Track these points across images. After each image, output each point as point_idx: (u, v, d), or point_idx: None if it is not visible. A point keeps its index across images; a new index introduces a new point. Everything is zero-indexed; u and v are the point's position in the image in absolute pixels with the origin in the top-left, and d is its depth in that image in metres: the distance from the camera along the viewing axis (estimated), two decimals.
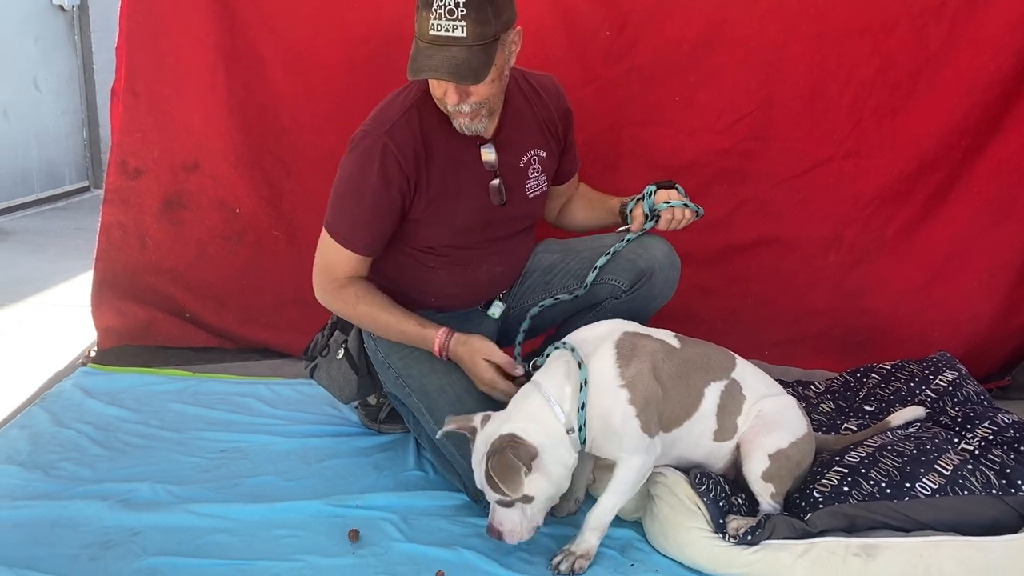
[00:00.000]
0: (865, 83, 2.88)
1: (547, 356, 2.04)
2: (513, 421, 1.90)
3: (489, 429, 1.91)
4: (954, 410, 2.29)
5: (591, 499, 2.07)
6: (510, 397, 2.02)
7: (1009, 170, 2.85)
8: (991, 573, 1.81)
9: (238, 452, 2.47)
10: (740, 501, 2.04)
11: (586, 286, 2.32)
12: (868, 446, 2.08)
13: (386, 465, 2.41)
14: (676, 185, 2.36)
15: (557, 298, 2.34)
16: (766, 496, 2.01)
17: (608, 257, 2.32)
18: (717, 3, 2.86)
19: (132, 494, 2.20)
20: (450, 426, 1.99)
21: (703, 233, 2.89)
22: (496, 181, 2.26)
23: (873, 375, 2.60)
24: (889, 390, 2.50)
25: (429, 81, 2.10)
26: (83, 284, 3.49)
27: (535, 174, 2.34)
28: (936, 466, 1.95)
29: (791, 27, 2.85)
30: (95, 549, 1.97)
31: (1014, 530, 1.87)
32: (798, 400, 2.17)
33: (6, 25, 6.02)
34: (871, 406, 2.45)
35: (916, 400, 2.42)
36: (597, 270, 2.32)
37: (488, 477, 1.83)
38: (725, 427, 2.05)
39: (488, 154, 2.23)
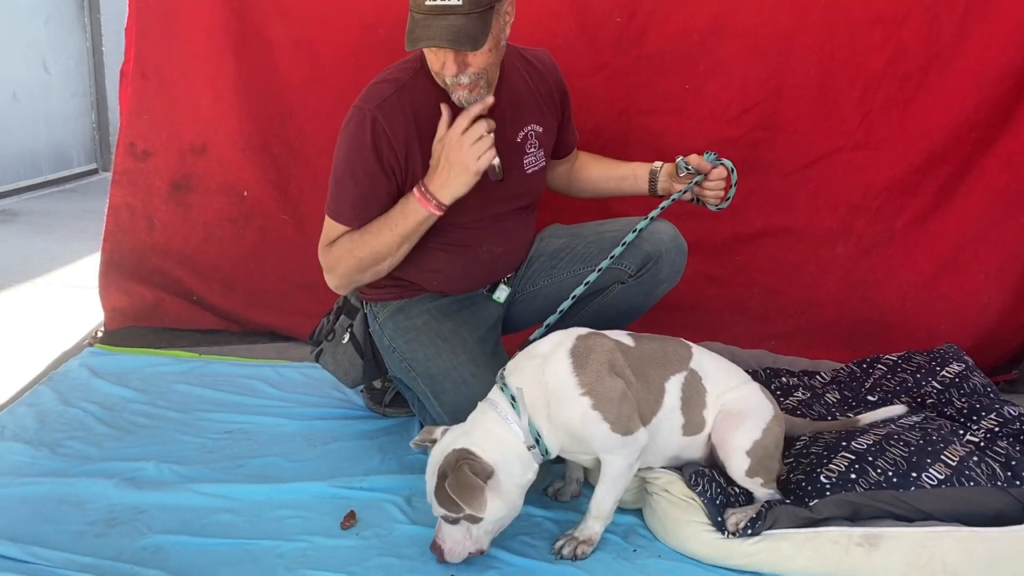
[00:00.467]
0: (875, 74, 2.87)
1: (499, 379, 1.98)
2: (471, 435, 1.85)
3: (444, 442, 1.86)
4: (960, 402, 2.28)
5: (589, 486, 2.08)
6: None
7: (1019, 163, 2.83)
8: (994, 564, 1.80)
9: (243, 433, 2.48)
10: (736, 491, 2.03)
11: (612, 257, 2.27)
12: (875, 434, 2.08)
13: (390, 448, 2.41)
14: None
15: (586, 282, 2.25)
16: (757, 488, 2.01)
17: (648, 220, 2.30)
18: None
19: (138, 473, 2.21)
20: (414, 440, 1.96)
21: (710, 222, 2.89)
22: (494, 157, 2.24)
23: (879, 366, 2.60)
24: (895, 381, 2.50)
25: (427, 55, 2.09)
26: (91, 265, 3.51)
27: (532, 149, 2.32)
28: (943, 457, 1.95)
29: (801, 17, 2.83)
30: (100, 526, 1.98)
31: (1018, 521, 1.87)
32: (764, 385, 2.14)
33: (16, 6, 6.01)
34: (876, 397, 2.45)
35: (922, 391, 2.41)
36: (638, 231, 2.28)
37: (438, 491, 1.77)
38: (692, 421, 2.02)
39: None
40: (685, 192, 2.33)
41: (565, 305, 2.22)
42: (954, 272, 2.95)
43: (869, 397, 2.46)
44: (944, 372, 2.45)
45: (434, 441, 1.91)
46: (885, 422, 2.20)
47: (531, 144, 2.32)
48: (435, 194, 2.09)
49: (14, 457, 2.28)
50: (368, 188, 2.16)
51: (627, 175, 2.49)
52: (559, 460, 2.03)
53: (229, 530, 1.99)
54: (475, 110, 2.07)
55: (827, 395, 2.50)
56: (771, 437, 2.01)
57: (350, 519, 2.04)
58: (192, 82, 3.04)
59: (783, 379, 2.63)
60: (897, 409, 2.29)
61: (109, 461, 2.27)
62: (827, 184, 2.97)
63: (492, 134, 2.07)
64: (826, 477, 1.96)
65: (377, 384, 2.65)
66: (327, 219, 2.24)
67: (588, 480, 2.19)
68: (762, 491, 2.01)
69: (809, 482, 1.98)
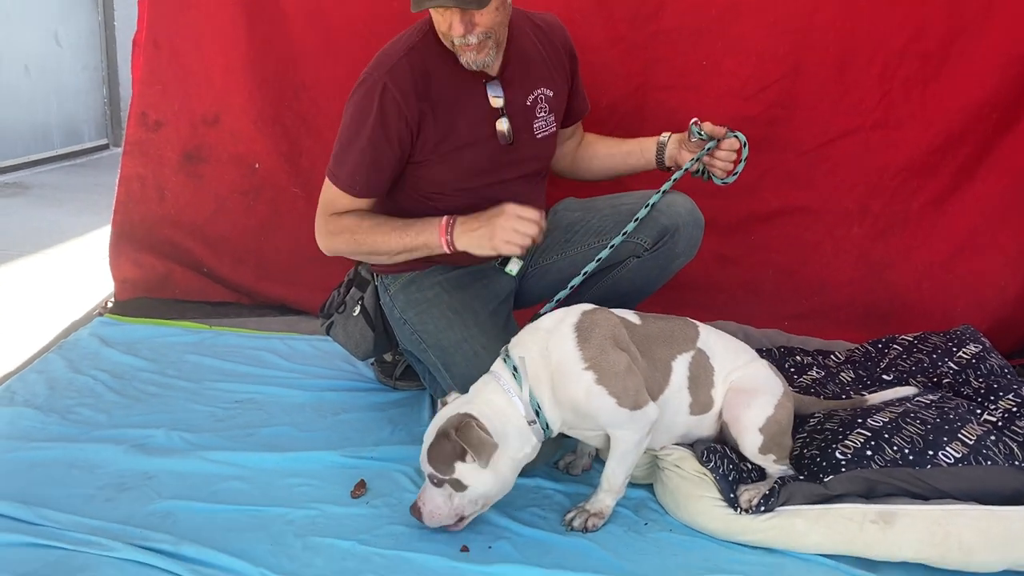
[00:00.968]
0: (896, 52, 2.84)
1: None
2: (472, 404, 1.84)
3: (450, 407, 1.86)
4: (977, 382, 2.26)
5: (600, 460, 2.06)
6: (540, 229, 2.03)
7: None
8: (1010, 543, 1.78)
9: (253, 403, 2.47)
10: (749, 467, 2.01)
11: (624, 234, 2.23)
12: (892, 411, 2.05)
13: (401, 420, 2.40)
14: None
15: (598, 259, 2.22)
16: (770, 465, 1.99)
17: (660, 194, 2.26)
18: None
19: (147, 439, 2.21)
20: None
21: (725, 201, 2.87)
22: (503, 120, 2.22)
23: (895, 346, 2.57)
24: (911, 361, 2.47)
25: (434, 16, 2.07)
26: (101, 238, 3.51)
27: (543, 114, 2.30)
28: (960, 435, 1.93)
29: None
30: (110, 491, 1.98)
31: None
32: (777, 364, 2.13)
33: None
34: (891, 376, 2.42)
35: (938, 372, 2.39)
36: (651, 205, 2.25)
37: (432, 448, 1.78)
38: (700, 400, 2.01)
39: (495, 91, 2.20)
40: (697, 160, 2.27)
41: (576, 281, 2.19)
42: (971, 254, 2.92)
43: (884, 377, 2.43)
44: (961, 353, 2.43)
45: (445, 403, 1.92)
46: (900, 400, 2.17)
47: (541, 108, 2.30)
48: (456, 234, 2.12)
49: (24, 422, 2.28)
50: (370, 157, 2.16)
51: (633, 149, 2.46)
52: (567, 435, 2.02)
53: (239, 497, 1.98)
54: (538, 216, 2.07)
55: (842, 374, 2.48)
56: (783, 412, 2.00)
57: (360, 488, 2.03)
58: (205, 52, 3.03)
59: (797, 357, 2.61)
60: (907, 390, 2.26)
61: (119, 428, 2.27)
62: (844, 163, 2.93)
63: (533, 242, 2.06)
64: (841, 453, 1.94)
65: (388, 357, 2.63)
66: (326, 180, 2.23)
67: (599, 456, 2.17)
68: (775, 467, 1.99)
69: (824, 458, 1.96)
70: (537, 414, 1.85)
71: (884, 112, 2.88)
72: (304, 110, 3.06)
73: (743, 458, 2.02)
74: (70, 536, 1.77)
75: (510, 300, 2.43)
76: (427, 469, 1.81)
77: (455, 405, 1.87)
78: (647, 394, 1.89)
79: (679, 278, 2.45)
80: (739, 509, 1.90)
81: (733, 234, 3.02)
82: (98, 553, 1.73)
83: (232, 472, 2.08)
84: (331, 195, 2.23)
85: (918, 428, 1.96)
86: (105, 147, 6.95)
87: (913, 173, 2.91)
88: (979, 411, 2.08)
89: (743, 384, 2.02)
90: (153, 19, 3.03)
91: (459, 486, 1.79)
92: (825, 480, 1.90)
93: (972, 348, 2.43)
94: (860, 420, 2.04)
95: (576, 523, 1.91)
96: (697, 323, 2.10)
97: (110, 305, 3.15)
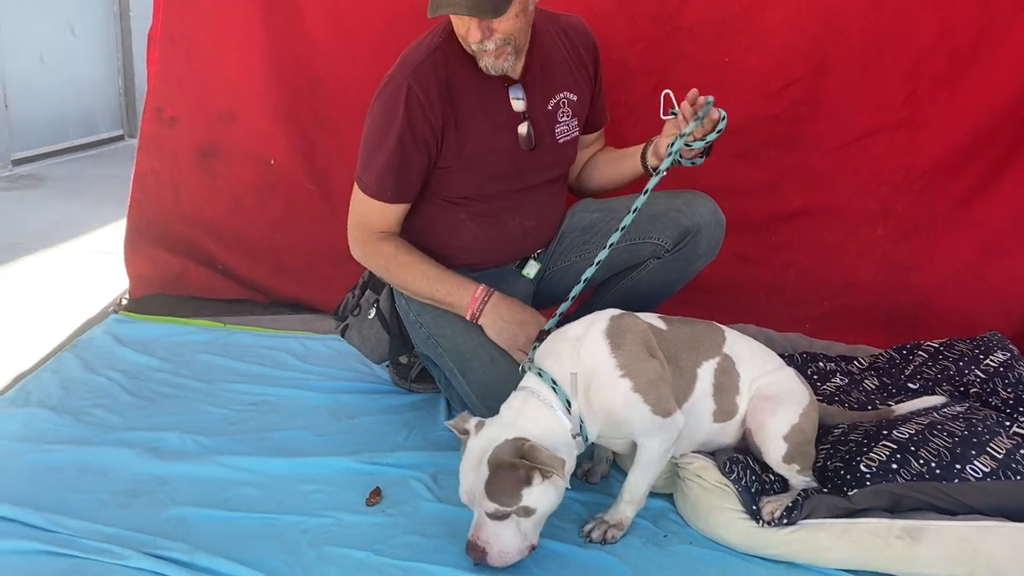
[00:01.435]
0: (923, 50, 2.77)
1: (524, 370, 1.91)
2: (518, 426, 1.73)
3: (487, 434, 1.72)
4: (1006, 392, 2.21)
5: (618, 467, 2.02)
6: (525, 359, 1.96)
7: None
8: None
9: (267, 405, 2.45)
10: (772, 478, 1.98)
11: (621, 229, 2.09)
12: (918, 423, 2.01)
13: (416, 424, 2.37)
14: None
15: (597, 261, 2.12)
16: (794, 475, 1.95)
17: (645, 195, 2.06)
18: None
19: (161, 443, 2.19)
20: (451, 422, 1.85)
21: (746, 200, 2.82)
22: (525, 124, 2.19)
23: (920, 353, 2.52)
24: (936, 369, 2.42)
25: (453, 20, 2.04)
26: (116, 232, 3.49)
27: (565, 118, 2.27)
28: (988, 449, 1.88)
29: None
30: (124, 496, 1.97)
31: None
32: (798, 371, 2.07)
33: None
34: (916, 384, 2.38)
35: (965, 380, 2.34)
36: (635, 211, 2.06)
37: (490, 483, 1.65)
38: (724, 408, 1.96)
39: (517, 95, 2.16)
40: (682, 137, 2.06)
41: (576, 290, 2.11)
42: (998, 258, 2.85)
43: (910, 384, 2.38)
44: (988, 361, 2.37)
45: (466, 432, 1.79)
46: (927, 411, 2.13)
47: (563, 112, 2.26)
48: (485, 313, 2.13)
49: (38, 423, 2.27)
50: (399, 160, 2.13)
51: (626, 152, 2.40)
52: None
53: (253, 503, 1.96)
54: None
55: (866, 381, 2.43)
56: (808, 422, 1.95)
57: (375, 495, 2.00)
58: (221, 47, 3.00)
59: (820, 364, 2.56)
60: (935, 399, 2.21)
61: (133, 430, 2.26)
62: (869, 163, 2.87)
63: (530, 347, 2.01)
64: (866, 466, 1.90)
65: (403, 359, 2.61)
66: (355, 188, 2.20)
67: (617, 463, 2.14)
68: (799, 478, 1.95)
69: (848, 471, 1.92)
70: (580, 428, 1.81)
71: (910, 110, 2.81)
72: (320, 106, 3.02)
73: (766, 469, 1.99)
74: (84, 544, 1.76)
75: (527, 303, 2.39)
76: (487, 506, 1.67)
77: (493, 431, 1.73)
78: (675, 402, 1.86)
79: (698, 280, 2.41)
80: (761, 521, 1.86)
81: (754, 234, 2.97)
82: (111, 562, 1.72)
83: (246, 478, 2.06)
84: (362, 204, 2.20)
85: (945, 441, 1.92)
86: (120, 138, 6.94)
87: (939, 173, 2.84)
88: (1008, 423, 2.03)
89: (768, 391, 1.98)
90: (169, 13, 3.00)
91: (527, 512, 1.69)
92: (849, 494, 1.86)
93: (1000, 356, 2.37)
94: (885, 432, 1.99)
95: (595, 535, 1.88)
96: (723, 328, 2.06)
97: (125, 302, 3.14)
